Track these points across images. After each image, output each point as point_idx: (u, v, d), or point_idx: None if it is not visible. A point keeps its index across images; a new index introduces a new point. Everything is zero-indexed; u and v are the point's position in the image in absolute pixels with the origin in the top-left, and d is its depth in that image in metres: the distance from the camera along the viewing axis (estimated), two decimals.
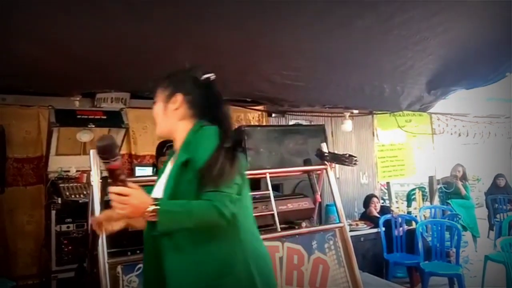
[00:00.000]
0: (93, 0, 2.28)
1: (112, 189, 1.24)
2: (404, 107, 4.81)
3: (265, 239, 2.24)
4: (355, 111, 5.50)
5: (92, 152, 1.95)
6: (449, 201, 6.46)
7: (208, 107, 1.49)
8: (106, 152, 1.22)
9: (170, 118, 1.51)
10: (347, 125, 5.40)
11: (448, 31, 3.28)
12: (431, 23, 3.13)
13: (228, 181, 1.29)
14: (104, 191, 1.92)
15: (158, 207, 1.25)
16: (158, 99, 1.55)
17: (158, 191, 1.45)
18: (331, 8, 2.74)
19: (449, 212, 5.74)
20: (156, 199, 1.30)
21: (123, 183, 1.25)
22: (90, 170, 1.93)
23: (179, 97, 1.50)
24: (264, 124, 4.98)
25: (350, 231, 4.43)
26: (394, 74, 4.01)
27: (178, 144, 1.49)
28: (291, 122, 5.37)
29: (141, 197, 1.26)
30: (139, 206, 1.25)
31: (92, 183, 1.91)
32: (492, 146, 8.08)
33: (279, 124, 5.20)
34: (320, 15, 2.80)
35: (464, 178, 6.68)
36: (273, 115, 5.19)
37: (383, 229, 4.69)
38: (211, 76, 1.54)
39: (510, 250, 3.60)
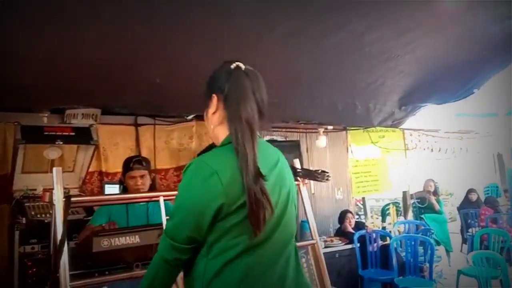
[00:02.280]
0: (62, 15, 2.24)
1: None
2: (376, 123, 4.88)
3: None
4: (329, 127, 5.54)
5: (55, 170, 1.87)
6: (422, 216, 6.54)
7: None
8: None
9: (210, 123, 1.36)
10: (321, 141, 5.43)
11: (417, 49, 3.36)
12: (401, 41, 3.20)
13: None
14: (67, 211, 1.84)
15: None
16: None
17: None
18: (304, 26, 2.77)
19: (422, 227, 5.80)
20: None
21: None
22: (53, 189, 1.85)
23: (214, 98, 1.33)
24: None
25: (325, 247, 4.43)
26: (366, 91, 4.07)
27: None
28: (266, 138, 5.36)
29: None
30: None
31: (54, 202, 1.83)
32: (463, 161, 8.26)
33: None
34: (292, 33, 2.83)
35: (435, 193, 6.79)
36: None
37: (358, 245, 4.69)
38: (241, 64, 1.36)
39: (481, 264, 3.65)
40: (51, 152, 3.35)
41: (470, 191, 7.53)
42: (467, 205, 7.38)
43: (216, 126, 1.34)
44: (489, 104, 4.89)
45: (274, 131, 5.42)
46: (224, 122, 1.30)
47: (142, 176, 2.73)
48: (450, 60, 3.64)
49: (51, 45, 2.51)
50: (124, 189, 2.80)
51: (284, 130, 5.47)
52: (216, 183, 1.17)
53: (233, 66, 1.34)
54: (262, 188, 1.18)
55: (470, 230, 6.73)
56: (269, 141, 5.16)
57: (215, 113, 1.33)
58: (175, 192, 1.33)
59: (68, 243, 2.32)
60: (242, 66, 1.36)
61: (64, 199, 1.84)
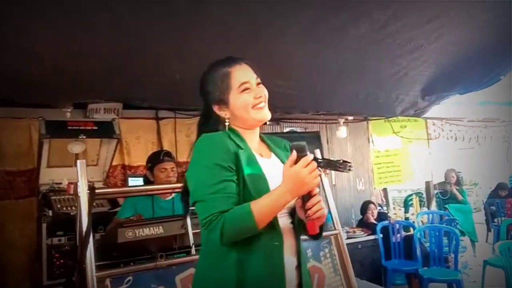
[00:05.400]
0: (77, 11, 2.26)
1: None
2: (399, 113, 4.79)
3: None
4: (350, 118, 5.48)
5: (79, 163, 1.90)
6: (446, 206, 6.43)
7: None
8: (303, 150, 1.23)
9: None
10: (342, 131, 5.37)
11: (441, 38, 3.28)
12: (425, 30, 3.13)
13: None
14: (91, 202, 1.87)
15: None
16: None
17: None
18: (324, 17, 2.74)
19: (446, 217, 5.71)
20: None
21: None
22: (78, 182, 1.88)
23: None
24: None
25: (347, 238, 4.40)
26: (389, 82, 4.00)
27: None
28: (286, 129, 5.34)
29: None
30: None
31: (79, 194, 1.86)
32: (488, 150, 8.06)
33: (274, 131, 5.17)
34: (313, 24, 2.79)
35: (458, 183, 6.65)
36: (268, 122, 5.15)
37: (381, 235, 4.64)
38: None
39: (508, 254, 3.56)
40: (75, 146, 3.40)
41: (500, 186, 7.32)
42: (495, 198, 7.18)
43: None
44: None
45: (294, 122, 5.39)
46: None
47: (172, 169, 2.82)
48: (476, 46, 3.54)
49: (70, 41, 2.54)
50: (148, 183, 2.85)
51: (304, 121, 5.44)
52: None
53: None
54: None
55: (496, 220, 6.59)
56: (288, 132, 5.17)
57: None
58: None
59: (93, 235, 2.37)
60: None
61: (88, 191, 1.87)
